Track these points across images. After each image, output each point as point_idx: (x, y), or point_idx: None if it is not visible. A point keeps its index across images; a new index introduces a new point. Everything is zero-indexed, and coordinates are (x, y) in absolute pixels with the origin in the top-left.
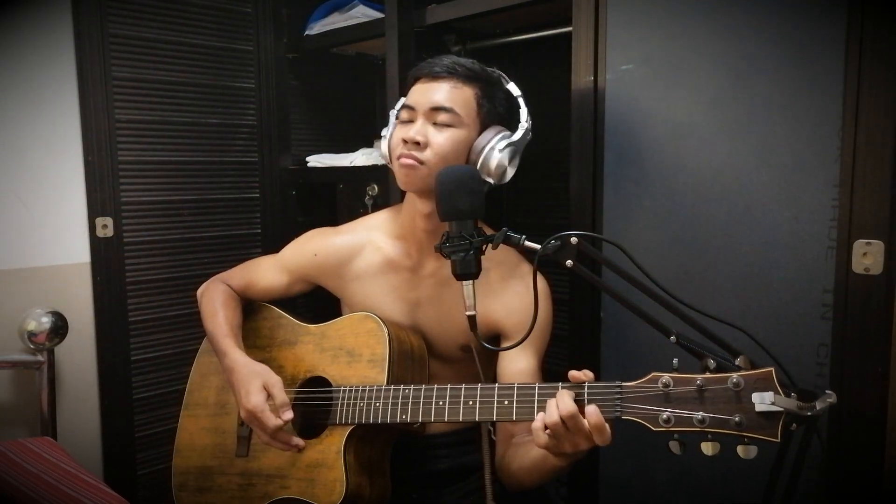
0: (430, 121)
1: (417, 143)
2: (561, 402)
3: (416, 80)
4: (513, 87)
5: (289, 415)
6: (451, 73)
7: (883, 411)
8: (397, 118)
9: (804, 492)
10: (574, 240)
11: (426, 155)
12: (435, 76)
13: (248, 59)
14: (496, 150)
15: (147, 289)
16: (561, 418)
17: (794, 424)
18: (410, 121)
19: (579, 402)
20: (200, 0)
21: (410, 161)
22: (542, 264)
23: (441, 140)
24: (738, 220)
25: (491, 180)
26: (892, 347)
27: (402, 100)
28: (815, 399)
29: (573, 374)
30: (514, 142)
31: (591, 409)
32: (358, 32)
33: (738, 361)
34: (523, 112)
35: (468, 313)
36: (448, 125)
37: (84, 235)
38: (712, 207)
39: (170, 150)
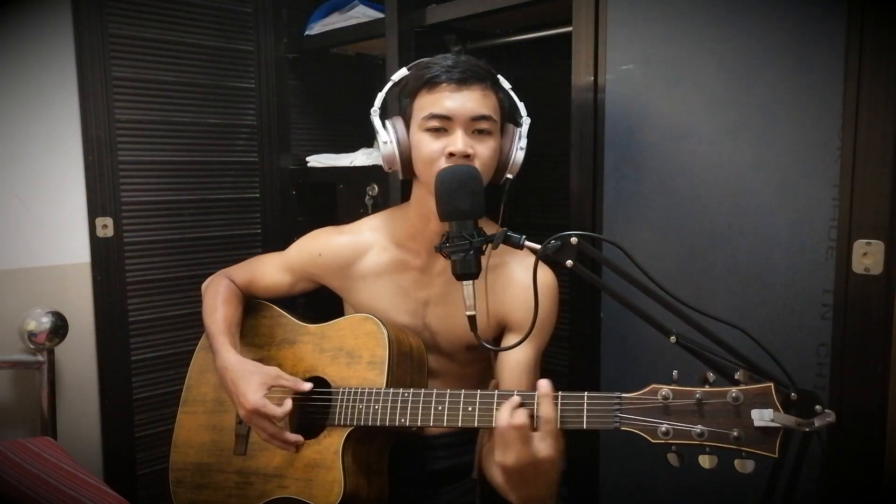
0: (469, 130)
1: (467, 156)
2: (496, 416)
3: (435, 84)
4: (501, 79)
5: (307, 385)
6: (479, 79)
7: (883, 411)
8: (425, 129)
9: (804, 492)
10: (574, 240)
11: (476, 166)
12: (462, 82)
13: (248, 59)
14: (519, 150)
15: (147, 289)
16: (495, 430)
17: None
18: (443, 129)
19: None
20: (200, 0)
21: None
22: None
23: (485, 150)
24: (738, 220)
25: (510, 176)
26: (892, 347)
27: (428, 109)
28: (817, 400)
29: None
30: (525, 134)
31: (517, 414)
32: (358, 32)
33: (737, 376)
34: (521, 105)
35: (468, 313)
36: (488, 133)
37: (84, 235)
38: (712, 207)
39: (170, 150)
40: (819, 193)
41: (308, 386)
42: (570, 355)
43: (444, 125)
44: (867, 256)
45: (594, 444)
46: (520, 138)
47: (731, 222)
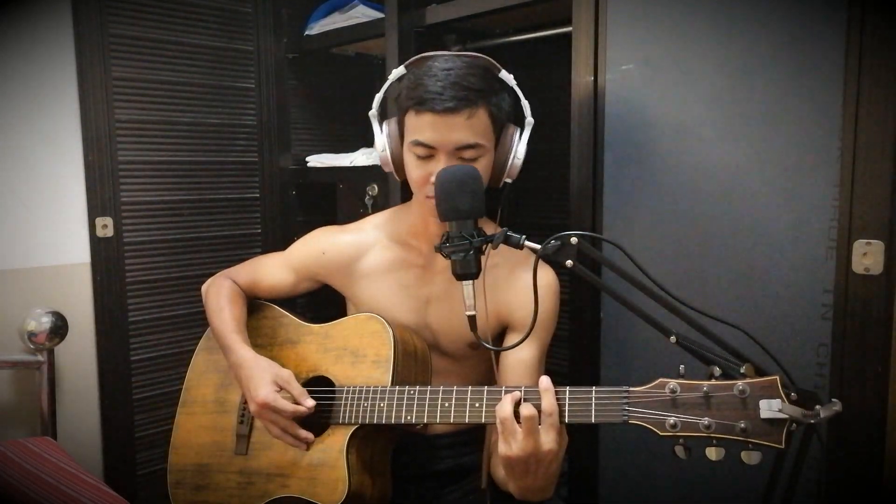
0: (454, 157)
1: None
2: (499, 407)
3: (422, 110)
4: (505, 76)
5: (311, 402)
6: (468, 104)
7: (883, 411)
8: (412, 151)
9: (804, 492)
10: (574, 240)
11: None
12: (448, 111)
13: (248, 59)
14: (517, 158)
15: (147, 289)
16: (500, 421)
17: (794, 424)
18: (429, 156)
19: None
20: (200, 0)
21: None
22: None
23: None
24: (738, 220)
25: (509, 180)
26: (892, 347)
27: (414, 134)
28: (817, 400)
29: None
30: (526, 138)
31: (523, 407)
32: (358, 32)
33: (742, 369)
34: (525, 104)
35: (468, 313)
36: (474, 159)
37: (84, 235)
38: (712, 207)
39: (170, 150)
40: (819, 193)
41: (311, 403)
42: (570, 355)
43: (430, 153)
44: (867, 256)
45: (594, 445)
46: (518, 143)
47: (731, 222)
